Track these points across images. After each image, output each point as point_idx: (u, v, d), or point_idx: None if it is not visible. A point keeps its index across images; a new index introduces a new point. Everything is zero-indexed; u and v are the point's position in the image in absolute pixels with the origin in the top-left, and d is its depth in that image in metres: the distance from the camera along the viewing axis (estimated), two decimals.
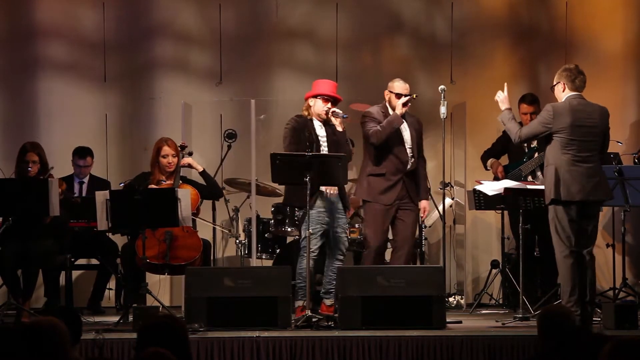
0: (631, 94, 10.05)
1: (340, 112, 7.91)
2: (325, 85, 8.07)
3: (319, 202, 7.84)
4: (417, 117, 8.27)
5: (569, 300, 7.24)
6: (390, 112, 8.05)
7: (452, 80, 9.95)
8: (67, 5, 10.03)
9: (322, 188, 7.84)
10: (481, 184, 8.65)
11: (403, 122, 8.02)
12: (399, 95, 8.01)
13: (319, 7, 10.16)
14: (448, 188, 9.20)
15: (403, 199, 8.01)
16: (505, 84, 7.65)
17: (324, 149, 7.90)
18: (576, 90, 7.39)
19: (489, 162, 9.26)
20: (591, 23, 10.07)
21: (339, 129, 7.92)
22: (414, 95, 8.02)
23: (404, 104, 7.97)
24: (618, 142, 9.08)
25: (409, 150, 8.05)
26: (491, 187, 8.45)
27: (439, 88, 8.06)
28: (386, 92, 8.12)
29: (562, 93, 7.43)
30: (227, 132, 8.82)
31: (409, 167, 8.02)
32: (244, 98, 9.53)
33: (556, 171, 7.28)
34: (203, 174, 8.37)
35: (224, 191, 9.23)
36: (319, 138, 7.91)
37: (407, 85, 8.08)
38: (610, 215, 9.41)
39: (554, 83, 7.46)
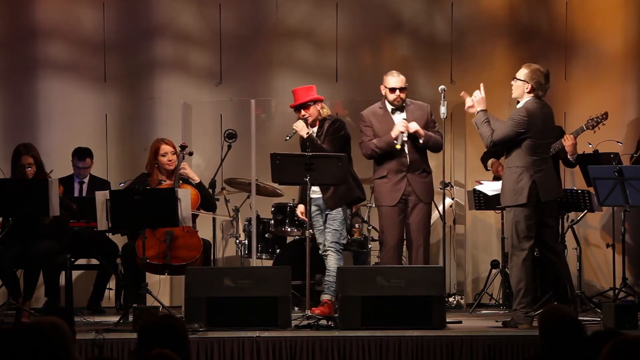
0: (631, 94, 10.03)
1: (292, 131, 8.06)
2: (294, 96, 8.20)
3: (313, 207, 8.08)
4: (420, 103, 8.10)
5: (521, 301, 7.21)
6: (388, 107, 8.01)
7: (452, 80, 9.94)
8: (67, 5, 10.03)
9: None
10: (481, 184, 8.66)
11: (396, 144, 7.89)
12: (392, 90, 7.96)
13: (319, 7, 10.15)
14: (448, 188, 9.20)
15: (410, 195, 7.93)
16: (482, 84, 7.55)
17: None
18: (539, 98, 7.33)
19: (489, 162, 9.25)
20: (591, 23, 10.06)
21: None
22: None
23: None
24: (618, 142, 9.08)
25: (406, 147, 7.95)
26: (491, 187, 8.45)
27: (439, 88, 8.04)
28: (382, 87, 8.07)
29: (525, 93, 7.34)
30: (227, 132, 8.82)
31: (408, 162, 7.95)
32: (244, 98, 9.53)
33: (529, 175, 7.23)
34: (199, 185, 8.33)
35: (224, 191, 9.23)
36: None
37: (402, 78, 7.99)
38: (610, 215, 9.41)
39: (522, 79, 7.31)
